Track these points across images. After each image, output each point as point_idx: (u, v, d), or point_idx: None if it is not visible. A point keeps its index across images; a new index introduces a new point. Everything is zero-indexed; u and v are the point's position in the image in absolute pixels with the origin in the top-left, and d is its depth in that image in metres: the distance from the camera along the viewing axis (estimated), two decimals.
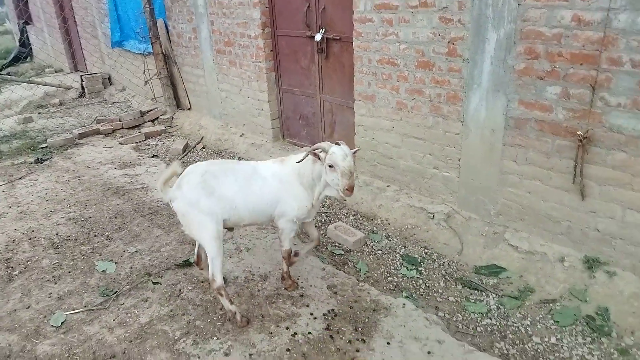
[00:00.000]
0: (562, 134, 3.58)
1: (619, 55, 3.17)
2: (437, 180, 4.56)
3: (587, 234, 3.62)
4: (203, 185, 3.11)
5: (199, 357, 2.93)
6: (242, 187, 3.19)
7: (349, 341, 3.03)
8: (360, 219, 4.75)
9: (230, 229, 3.73)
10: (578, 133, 3.46)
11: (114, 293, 3.63)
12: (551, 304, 3.40)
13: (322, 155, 3.05)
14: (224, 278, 3.21)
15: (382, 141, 4.96)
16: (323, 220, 4.77)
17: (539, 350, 3.06)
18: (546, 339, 3.14)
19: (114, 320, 3.34)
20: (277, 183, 3.26)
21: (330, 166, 3.00)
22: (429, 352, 2.92)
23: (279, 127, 6.65)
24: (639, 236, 3.36)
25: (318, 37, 5.36)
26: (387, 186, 5.00)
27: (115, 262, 4.06)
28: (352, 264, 4.02)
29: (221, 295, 3.17)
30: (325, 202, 5.11)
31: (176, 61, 8.10)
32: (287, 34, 5.91)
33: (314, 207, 3.37)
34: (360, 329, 3.15)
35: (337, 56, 5.39)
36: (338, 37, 5.25)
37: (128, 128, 8.13)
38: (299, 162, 3.14)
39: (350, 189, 2.97)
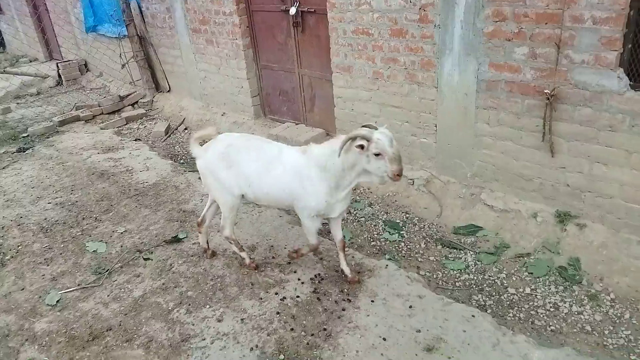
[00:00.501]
0: (531, 93, 3.70)
1: (581, 13, 3.27)
2: (416, 147, 4.69)
3: (557, 189, 3.79)
4: (224, 157, 3.26)
5: (193, 324, 3.07)
6: (260, 169, 3.14)
7: (336, 302, 3.19)
8: None
9: None
10: (546, 91, 3.58)
11: (107, 271, 3.74)
12: (525, 258, 3.58)
13: (364, 143, 2.77)
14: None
15: (361, 112, 5.05)
16: None
17: (514, 300, 3.24)
18: (521, 290, 3.32)
19: (108, 295, 3.46)
20: (293, 175, 3.09)
21: (376, 154, 2.77)
22: (410, 306, 3.09)
23: (260, 104, 6.69)
24: (606, 189, 3.53)
25: (293, 10, 5.38)
26: None
27: (106, 242, 4.15)
28: None
29: (230, 242, 3.57)
30: None
31: (152, 43, 8.03)
32: (262, 8, 5.91)
33: (339, 201, 3.12)
34: (345, 290, 3.30)
35: (312, 29, 5.42)
36: (313, 10, 5.28)
37: (108, 113, 8.10)
38: (339, 153, 2.84)
39: (400, 174, 2.77)
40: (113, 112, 8.12)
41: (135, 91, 8.51)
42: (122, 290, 3.50)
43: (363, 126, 2.93)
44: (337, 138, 3.04)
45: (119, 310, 3.29)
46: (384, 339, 2.83)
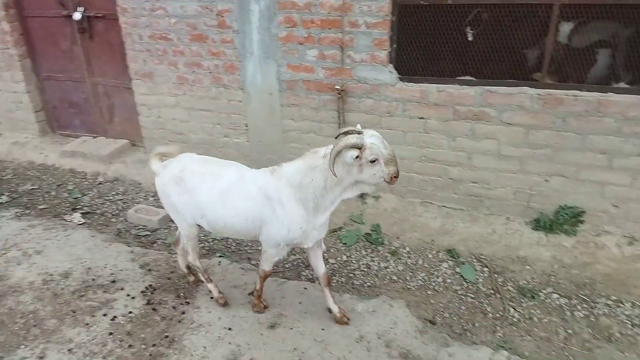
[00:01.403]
0: (325, 90, 4.21)
1: (356, 19, 3.88)
2: (230, 147, 4.84)
3: None
4: (178, 181, 2.84)
5: None
6: (213, 198, 2.74)
7: (173, 307, 3.14)
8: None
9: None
10: (336, 87, 4.12)
11: None
12: (338, 232, 4.08)
13: (353, 153, 2.40)
14: None
15: (169, 118, 4.97)
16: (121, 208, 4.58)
17: (335, 268, 3.68)
18: (339, 259, 3.78)
19: None
20: (260, 200, 2.68)
21: (372, 161, 2.45)
22: (249, 294, 3.24)
23: (46, 120, 5.96)
24: None
25: (77, 16, 4.97)
26: None
27: None
28: (161, 241, 4.05)
29: (196, 270, 3.19)
30: (119, 188, 4.91)
31: None
32: (39, 14, 5.28)
33: (317, 228, 2.72)
34: (182, 294, 3.27)
35: (103, 35, 5.09)
36: (101, 15, 4.96)
37: None
38: (333, 171, 2.44)
39: (398, 175, 2.50)
40: None
41: None
42: None
43: (342, 133, 2.51)
44: (311, 152, 2.64)
45: None
46: (230, 329, 2.92)
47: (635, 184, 3.53)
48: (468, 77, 3.90)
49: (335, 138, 2.50)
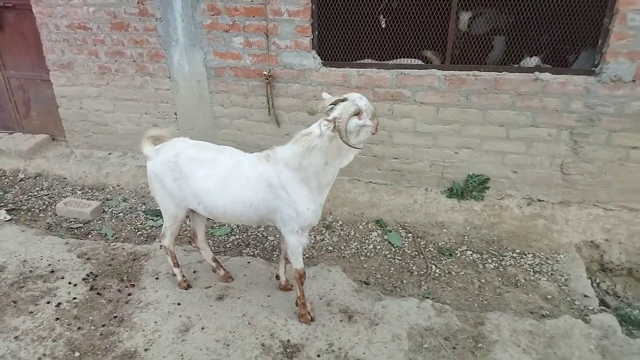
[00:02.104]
0: (253, 76, 4.38)
1: (279, 7, 4.08)
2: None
3: None
4: (172, 167, 2.78)
5: None
6: (212, 185, 2.71)
7: (119, 290, 3.19)
8: (90, 191, 4.65)
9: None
10: (264, 73, 4.31)
11: None
12: None
13: (357, 120, 2.44)
14: None
15: (92, 109, 4.87)
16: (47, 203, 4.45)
17: (275, 244, 3.90)
18: (277, 235, 4.00)
19: None
20: (265, 187, 2.66)
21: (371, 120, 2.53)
22: (194, 272, 3.37)
23: None
24: None
25: None
26: (110, 154, 5.00)
27: None
28: (96, 232, 4.02)
29: (167, 253, 3.17)
30: (43, 183, 4.74)
31: None
32: None
33: (321, 205, 2.74)
34: (125, 278, 3.32)
35: (14, 26, 4.86)
36: (10, 5, 4.73)
37: None
38: (348, 141, 2.40)
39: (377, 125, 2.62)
40: None
41: None
42: None
43: (331, 104, 2.51)
44: (302, 135, 2.59)
45: None
46: (178, 304, 3.04)
47: (530, 151, 4.09)
48: (384, 61, 4.27)
49: (327, 112, 2.53)
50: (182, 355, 2.65)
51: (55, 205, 4.35)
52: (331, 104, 2.51)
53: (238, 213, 2.74)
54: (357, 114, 2.46)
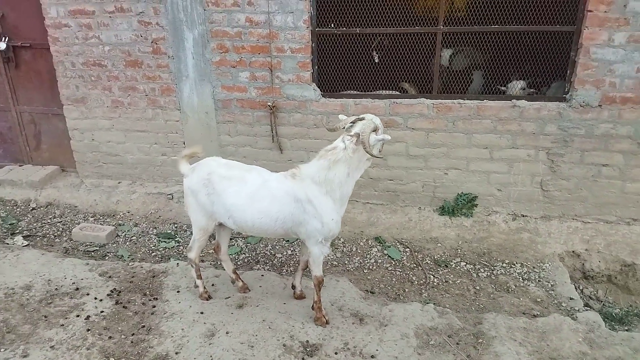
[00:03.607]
0: (258, 107, 4.75)
1: (282, 45, 4.50)
2: (168, 165, 5.13)
3: None
4: (206, 183, 3.07)
5: None
6: (241, 201, 2.97)
7: (143, 303, 3.39)
8: (101, 218, 4.86)
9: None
10: (268, 104, 4.68)
11: None
12: None
13: (376, 135, 2.87)
14: None
15: (104, 140, 5.15)
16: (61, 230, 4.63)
17: (283, 260, 4.16)
18: (285, 253, 4.27)
19: None
20: (292, 202, 2.91)
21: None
22: (212, 284, 3.60)
23: None
24: None
25: (2, 46, 5.00)
26: (119, 182, 5.24)
27: None
28: (112, 254, 4.23)
29: (192, 266, 3.40)
30: (55, 212, 4.94)
31: None
32: None
33: (342, 215, 3.03)
34: (148, 292, 3.52)
35: (30, 64, 5.16)
36: (28, 45, 5.05)
37: None
38: (372, 151, 2.82)
39: None
40: None
41: None
42: None
43: (350, 123, 2.92)
44: (327, 151, 2.92)
45: None
46: (202, 313, 3.25)
47: (512, 170, 4.50)
48: (378, 92, 4.71)
49: (345, 130, 2.93)
50: (211, 357, 2.86)
51: (69, 231, 4.55)
52: (351, 122, 2.91)
53: (265, 226, 2.99)
54: (375, 130, 2.86)
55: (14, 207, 5.01)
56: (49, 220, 4.76)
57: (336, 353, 2.94)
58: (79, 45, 4.81)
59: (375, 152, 2.90)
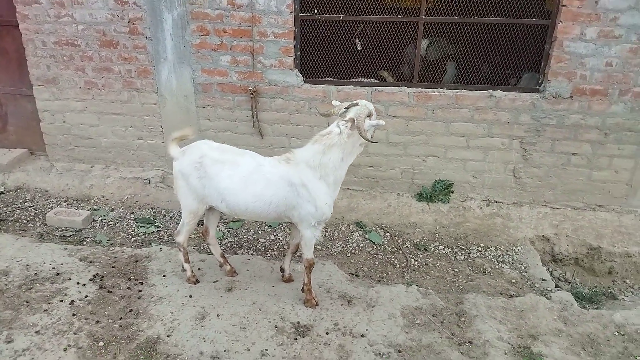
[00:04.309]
0: (239, 91, 4.71)
1: (265, 30, 4.46)
2: (144, 149, 5.01)
3: None
4: (197, 166, 3.02)
5: None
6: (234, 185, 2.95)
7: (128, 288, 3.33)
8: (74, 202, 4.71)
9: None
10: (249, 89, 4.64)
11: None
12: None
13: (370, 120, 2.91)
14: None
15: (76, 123, 4.97)
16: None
17: (266, 245, 4.18)
18: (268, 238, 4.29)
19: None
20: (286, 186, 2.93)
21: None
22: (199, 269, 3.58)
23: None
24: None
25: None
26: (92, 167, 5.08)
27: None
28: (90, 239, 4.11)
29: (179, 249, 3.37)
30: (26, 196, 4.75)
31: None
32: None
33: (334, 198, 3.05)
34: (132, 277, 3.46)
35: None
36: None
37: None
38: (367, 137, 2.88)
39: None
40: None
41: None
42: None
43: (345, 109, 2.93)
44: (322, 135, 2.94)
45: None
46: (190, 296, 3.23)
47: (487, 158, 4.66)
48: (360, 79, 4.75)
49: (340, 115, 2.95)
50: (204, 339, 2.86)
51: (42, 215, 4.38)
52: (345, 108, 2.94)
53: (258, 210, 3.01)
54: (369, 115, 2.92)
55: None
56: (19, 205, 4.56)
57: (327, 333, 3.00)
58: (51, 24, 4.60)
59: (369, 137, 2.95)
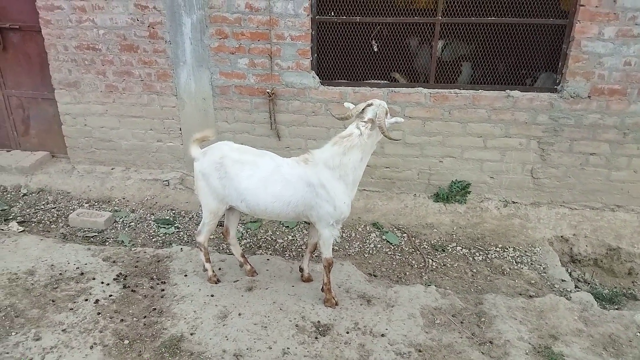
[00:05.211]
0: (256, 93, 4.76)
1: (282, 32, 4.51)
2: (163, 151, 5.09)
3: None
4: (218, 167, 3.08)
5: (8, 353, 2.70)
6: (254, 185, 3.00)
7: (151, 287, 3.39)
8: (95, 204, 4.79)
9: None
10: (267, 91, 4.69)
11: None
12: None
13: (389, 119, 2.97)
14: None
15: (97, 126, 5.06)
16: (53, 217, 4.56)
17: (284, 245, 4.22)
18: (286, 239, 4.32)
19: None
20: (305, 187, 2.97)
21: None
22: (219, 269, 3.63)
23: None
24: None
25: None
26: (112, 169, 5.17)
27: None
28: (112, 239, 4.19)
29: (200, 249, 3.41)
30: (48, 198, 4.85)
31: None
32: None
33: (352, 198, 3.08)
34: (155, 277, 3.52)
35: (19, 47, 5.01)
36: (17, 27, 4.90)
37: None
38: (390, 135, 2.91)
39: None
40: None
41: None
42: None
43: (362, 109, 2.96)
44: (341, 137, 2.95)
45: None
46: (212, 296, 3.28)
47: (504, 159, 4.65)
48: (376, 81, 4.78)
49: (357, 117, 2.97)
50: (226, 337, 2.90)
51: (64, 217, 4.47)
52: (362, 109, 2.98)
53: (277, 210, 3.05)
54: (386, 114, 2.98)
55: (4, 193, 4.89)
56: (42, 206, 4.66)
57: (347, 332, 3.03)
58: (72, 29, 4.70)
59: (375, 137, 3.00)
